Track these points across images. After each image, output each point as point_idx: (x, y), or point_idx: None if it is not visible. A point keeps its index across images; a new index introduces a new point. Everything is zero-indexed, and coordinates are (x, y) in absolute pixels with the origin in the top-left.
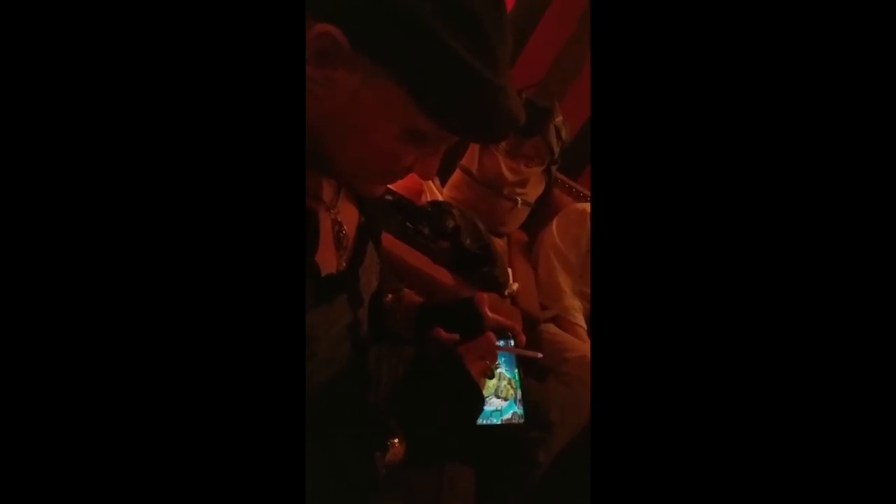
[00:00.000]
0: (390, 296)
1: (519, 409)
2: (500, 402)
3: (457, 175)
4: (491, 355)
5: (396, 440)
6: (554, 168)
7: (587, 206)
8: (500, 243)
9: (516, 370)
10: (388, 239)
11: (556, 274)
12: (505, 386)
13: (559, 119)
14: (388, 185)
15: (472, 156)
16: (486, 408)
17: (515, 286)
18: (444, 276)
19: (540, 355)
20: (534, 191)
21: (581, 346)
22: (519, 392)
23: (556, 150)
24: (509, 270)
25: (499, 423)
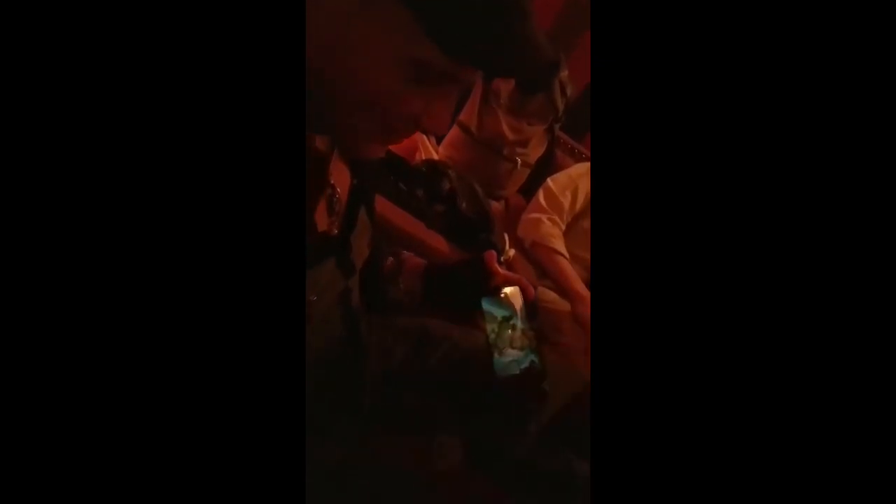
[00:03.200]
0: (391, 259)
1: (536, 359)
2: (517, 352)
3: (454, 133)
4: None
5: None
6: (557, 127)
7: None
8: (497, 207)
9: (529, 322)
10: (379, 202)
11: (536, 209)
12: (519, 336)
13: (565, 74)
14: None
15: (471, 112)
16: (504, 359)
17: (512, 252)
18: (438, 242)
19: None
20: (535, 151)
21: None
22: (534, 340)
23: (561, 107)
24: (506, 236)
25: (518, 372)
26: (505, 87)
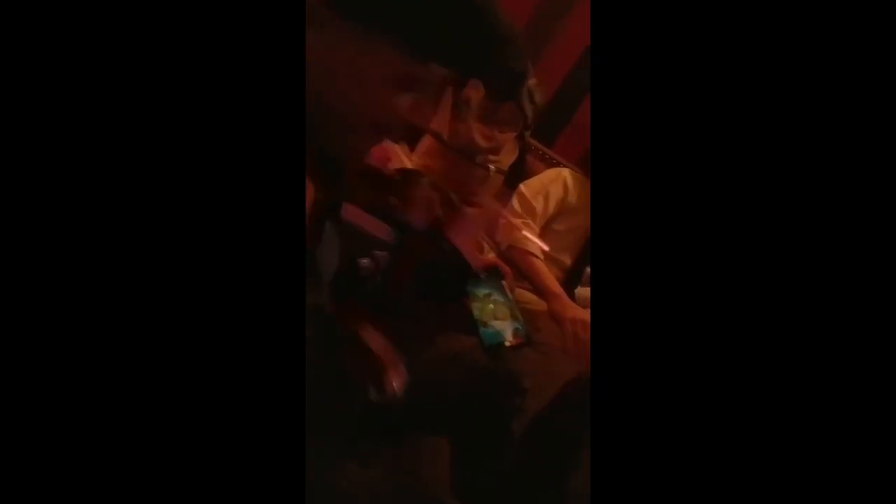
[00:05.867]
0: (366, 260)
1: (520, 326)
2: (500, 322)
3: (427, 141)
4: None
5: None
6: (527, 134)
7: (563, 170)
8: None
9: (508, 294)
10: (353, 211)
11: (511, 214)
12: (501, 309)
13: (532, 82)
14: None
15: (443, 120)
16: (489, 330)
17: (490, 256)
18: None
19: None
20: (507, 158)
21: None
22: (516, 310)
23: (530, 115)
24: (482, 242)
25: (503, 341)
26: (475, 95)
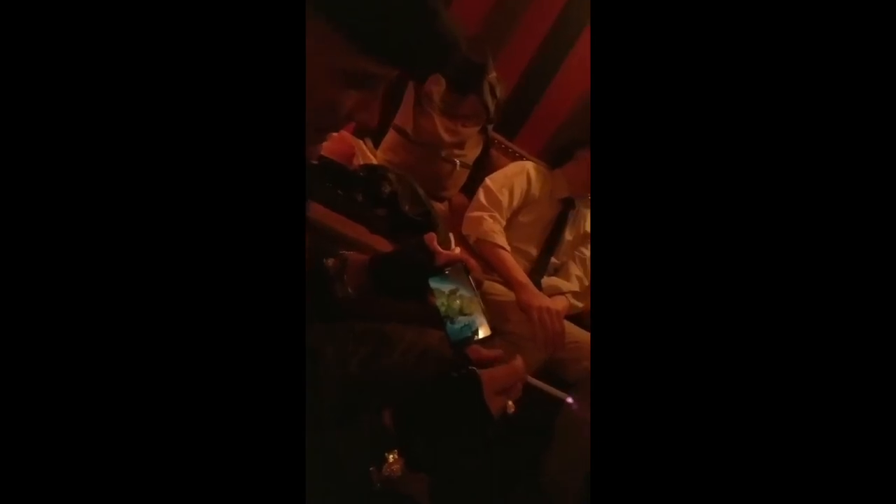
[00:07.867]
0: (332, 260)
1: (484, 318)
2: (466, 317)
3: (391, 136)
4: (515, 389)
5: (394, 454)
6: (490, 128)
7: (527, 163)
8: (441, 208)
9: (474, 289)
10: (316, 209)
11: (478, 207)
12: (467, 304)
13: (493, 76)
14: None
15: (406, 115)
16: (456, 326)
17: (458, 250)
18: (382, 245)
19: (570, 399)
20: (472, 152)
21: (521, 310)
22: (482, 305)
23: (492, 108)
24: (451, 236)
25: (470, 336)
26: (437, 89)
